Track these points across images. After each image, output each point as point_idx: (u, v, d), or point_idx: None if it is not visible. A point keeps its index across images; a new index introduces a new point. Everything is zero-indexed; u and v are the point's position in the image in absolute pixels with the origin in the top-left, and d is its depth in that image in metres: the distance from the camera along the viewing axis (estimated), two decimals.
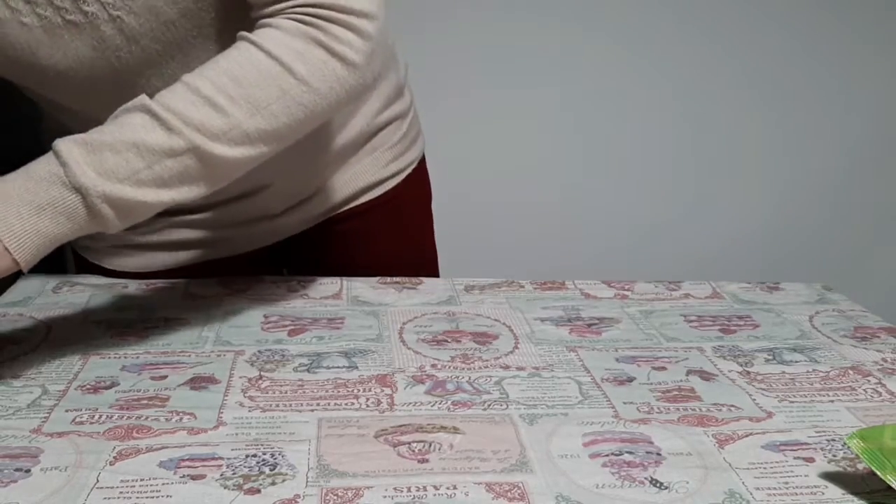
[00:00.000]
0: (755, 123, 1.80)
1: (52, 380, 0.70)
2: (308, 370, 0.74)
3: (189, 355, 0.76)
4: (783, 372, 0.78)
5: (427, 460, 0.61)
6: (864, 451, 0.58)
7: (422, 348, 0.80)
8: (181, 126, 0.65)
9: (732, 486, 0.59)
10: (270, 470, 0.59)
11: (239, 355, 0.76)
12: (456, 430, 0.65)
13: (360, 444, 0.63)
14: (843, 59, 1.77)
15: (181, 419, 0.65)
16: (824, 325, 0.90)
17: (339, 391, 0.71)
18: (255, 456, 0.60)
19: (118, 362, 0.74)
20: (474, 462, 0.61)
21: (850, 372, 0.79)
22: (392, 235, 1.01)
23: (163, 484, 0.57)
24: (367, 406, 0.68)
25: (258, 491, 0.56)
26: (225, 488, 0.56)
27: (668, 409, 0.70)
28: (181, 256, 0.93)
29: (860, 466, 0.62)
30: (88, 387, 0.70)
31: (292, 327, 0.83)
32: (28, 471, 0.58)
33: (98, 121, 0.67)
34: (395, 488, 0.57)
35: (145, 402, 0.68)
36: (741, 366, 0.79)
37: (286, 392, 0.70)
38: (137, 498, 0.55)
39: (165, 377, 0.72)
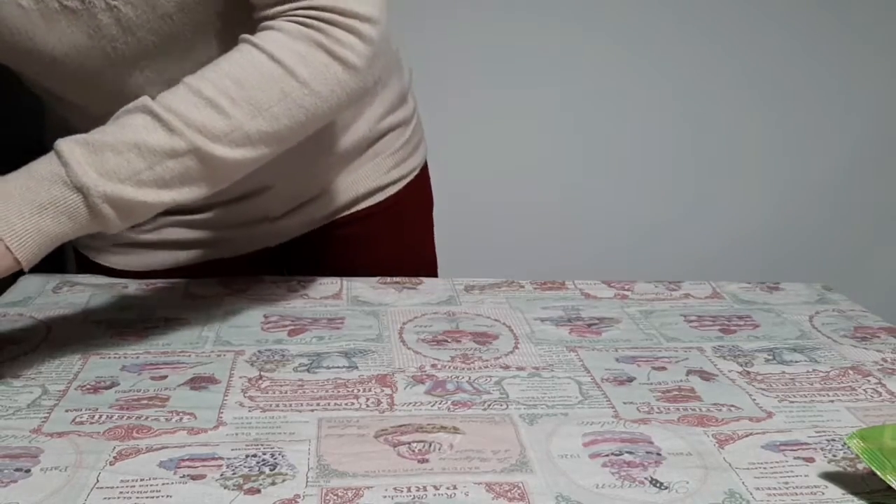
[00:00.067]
0: (755, 123, 1.80)
1: (52, 380, 0.70)
2: (308, 370, 0.74)
3: (189, 355, 0.76)
4: (783, 372, 0.78)
5: (427, 460, 0.61)
6: (864, 451, 0.58)
7: (422, 348, 0.80)
8: (182, 127, 0.65)
9: (732, 486, 0.59)
10: (270, 470, 0.59)
11: (239, 355, 0.76)
12: (456, 430, 0.65)
13: (360, 444, 0.63)
14: (843, 59, 1.77)
15: (181, 419, 0.65)
16: (824, 325, 0.90)
17: (339, 391, 0.71)
18: (255, 456, 0.60)
19: (118, 362, 0.74)
20: (474, 462, 0.61)
21: (850, 372, 0.79)
22: (392, 241, 1.01)
23: (163, 484, 0.57)
24: (367, 406, 0.68)
25: (258, 491, 0.56)
26: (225, 488, 0.56)
27: (668, 409, 0.70)
28: (181, 256, 0.94)
29: (860, 466, 0.62)
30: (88, 387, 0.70)
31: (292, 327, 0.83)
32: (28, 471, 0.58)
33: (97, 114, 0.67)
34: (395, 488, 0.57)
35: (145, 402, 0.68)
36: (741, 366, 0.79)
37: (286, 392, 0.70)
38: (137, 498, 0.55)
39: (165, 377, 0.72)
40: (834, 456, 0.64)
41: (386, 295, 0.93)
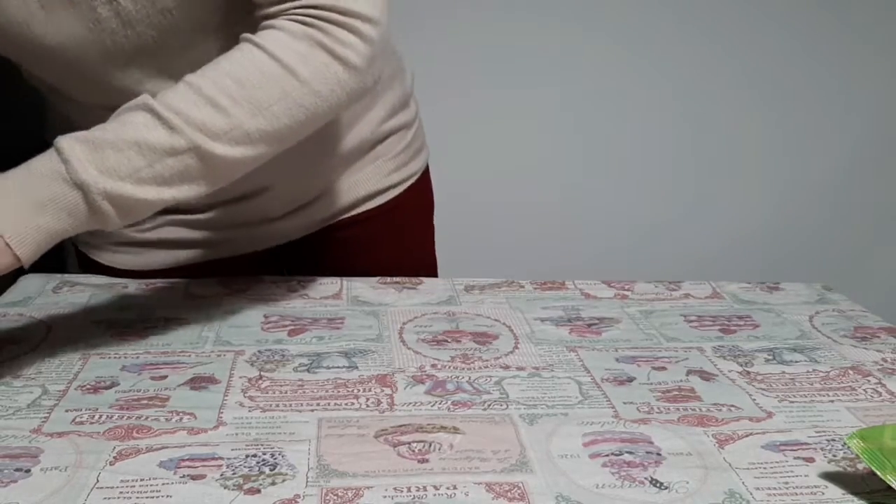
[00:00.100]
0: (755, 123, 1.80)
1: (52, 380, 0.70)
2: (308, 370, 0.74)
3: (189, 355, 0.76)
4: (783, 372, 0.78)
5: (427, 460, 0.61)
6: (864, 451, 0.58)
7: (422, 348, 0.80)
8: (182, 125, 0.65)
9: (732, 486, 0.59)
10: (270, 470, 0.59)
11: (239, 355, 0.76)
12: (456, 430, 0.65)
13: (360, 444, 0.63)
14: (843, 59, 1.77)
15: (181, 419, 0.65)
16: (824, 325, 0.90)
17: (339, 391, 0.71)
18: (255, 456, 0.60)
19: (118, 362, 0.74)
20: (474, 462, 0.61)
21: (850, 372, 0.79)
22: (392, 244, 1.01)
23: (163, 484, 0.57)
24: (367, 406, 0.68)
25: (258, 491, 0.56)
26: (225, 488, 0.56)
27: (668, 409, 0.70)
28: (181, 255, 0.93)
29: (860, 466, 0.62)
30: (88, 387, 0.70)
31: (292, 327, 0.83)
32: (28, 471, 0.58)
33: (97, 110, 0.67)
34: (395, 488, 0.57)
35: (145, 402, 0.68)
36: (741, 366, 0.79)
37: (286, 392, 0.70)
38: (137, 498, 0.55)
39: (165, 377, 0.72)
40: (834, 456, 0.64)
41: (386, 295, 0.93)
